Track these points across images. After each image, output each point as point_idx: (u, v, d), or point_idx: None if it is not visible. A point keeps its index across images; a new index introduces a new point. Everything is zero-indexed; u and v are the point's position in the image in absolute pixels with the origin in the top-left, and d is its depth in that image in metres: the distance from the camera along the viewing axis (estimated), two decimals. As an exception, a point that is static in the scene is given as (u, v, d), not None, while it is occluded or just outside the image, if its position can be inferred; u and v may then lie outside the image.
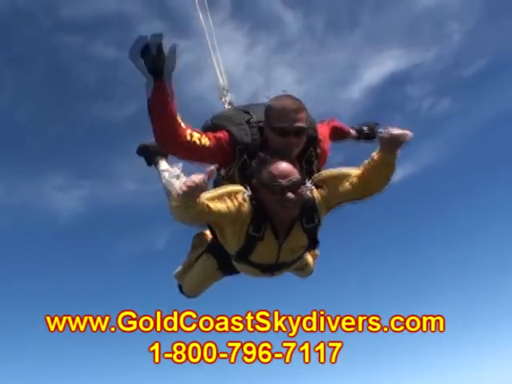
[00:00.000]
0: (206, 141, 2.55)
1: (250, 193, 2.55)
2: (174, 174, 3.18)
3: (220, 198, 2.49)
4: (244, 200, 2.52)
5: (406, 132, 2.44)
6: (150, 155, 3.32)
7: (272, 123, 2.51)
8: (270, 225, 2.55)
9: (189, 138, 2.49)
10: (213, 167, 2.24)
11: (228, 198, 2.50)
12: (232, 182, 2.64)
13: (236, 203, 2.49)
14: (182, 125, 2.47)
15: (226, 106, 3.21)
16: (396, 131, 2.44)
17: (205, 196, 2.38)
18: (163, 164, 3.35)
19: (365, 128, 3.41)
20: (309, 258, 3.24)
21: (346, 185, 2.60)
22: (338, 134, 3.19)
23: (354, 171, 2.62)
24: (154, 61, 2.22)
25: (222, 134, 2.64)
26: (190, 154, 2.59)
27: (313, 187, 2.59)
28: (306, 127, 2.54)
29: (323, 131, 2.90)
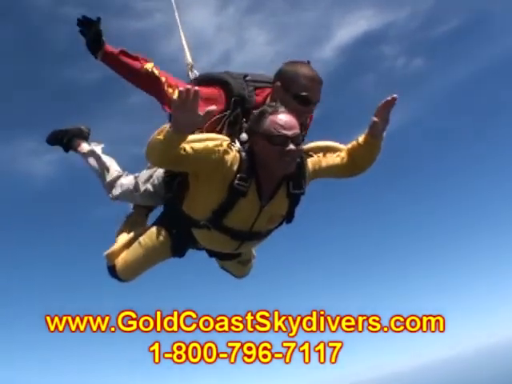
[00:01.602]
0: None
1: (238, 145, 2.46)
2: (89, 149, 3.14)
3: (203, 141, 2.37)
4: (230, 148, 2.40)
5: (389, 98, 2.47)
6: (68, 141, 3.21)
7: (297, 90, 2.52)
8: (256, 182, 2.43)
9: (169, 89, 2.57)
10: (214, 107, 2.17)
11: (212, 143, 2.38)
12: None
13: (221, 149, 2.37)
14: (156, 72, 2.59)
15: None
16: (382, 104, 2.47)
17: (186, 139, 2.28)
18: (85, 146, 3.24)
19: None
20: (251, 256, 3.21)
21: (335, 158, 2.64)
22: None
23: (343, 147, 2.67)
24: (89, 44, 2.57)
25: (213, 89, 2.61)
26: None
27: (304, 155, 2.58)
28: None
29: None
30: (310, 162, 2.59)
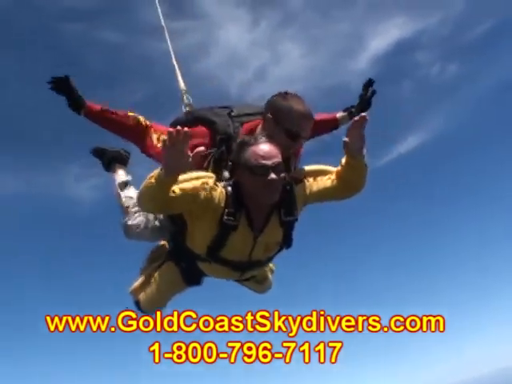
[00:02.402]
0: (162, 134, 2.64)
1: (224, 181, 2.51)
2: (122, 180, 3.14)
3: (189, 180, 2.41)
4: (216, 184, 2.44)
5: (358, 117, 2.40)
6: (108, 161, 3.23)
7: (286, 125, 2.53)
8: (245, 214, 2.46)
9: (155, 141, 2.67)
10: (202, 148, 2.21)
11: (197, 181, 2.42)
12: None
13: (207, 187, 2.41)
14: (151, 130, 2.69)
15: (184, 109, 3.18)
16: (353, 126, 2.42)
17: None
18: (120, 174, 3.23)
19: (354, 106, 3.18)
20: (268, 273, 3.22)
21: (326, 181, 2.61)
22: (322, 127, 3.10)
23: (333, 169, 2.63)
24: (71, 103, 2.68)
25: (199, 128, 2.65)
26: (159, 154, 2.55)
27: (292, 182, 2.57)
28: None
29: None
30: (301, 188, 2.58)
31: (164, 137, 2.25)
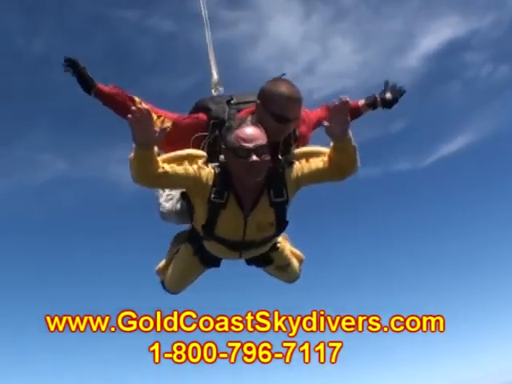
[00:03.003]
0: (167, 123, 2.71)
1: (216, 161, 2.58)
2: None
3: (178, 159, 2.57)
4: (205, 164, 2.57)
5: (338, 103, 2.37)
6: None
7: (272, 108, 2.56)
8: (234, 193, 2.56)
9: (156, 122, 2.63)
10: (167, 125, 2.37)
11: (186, 159, 2.57)
12: None
13: (195, 165, 2.54)
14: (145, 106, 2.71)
15: None
16: (333, 111, 2.40)
17: (162, 158, 2.52)
18: None
19: (378, 94, 3.17)
20: (293, 260, 3.22)
21: (318, 162, 2.61)
22: None
23: (326, 151, 2.61)
24: (81, 82, 2.83)
25: (197, 115, 2.76)
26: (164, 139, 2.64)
27: (284, 164, 2.60)
28: (300, 117, 2.63)
29: (307, 116, 2.89)
30: (293, 170, 2.61)
31: (167, 123, 2.61)
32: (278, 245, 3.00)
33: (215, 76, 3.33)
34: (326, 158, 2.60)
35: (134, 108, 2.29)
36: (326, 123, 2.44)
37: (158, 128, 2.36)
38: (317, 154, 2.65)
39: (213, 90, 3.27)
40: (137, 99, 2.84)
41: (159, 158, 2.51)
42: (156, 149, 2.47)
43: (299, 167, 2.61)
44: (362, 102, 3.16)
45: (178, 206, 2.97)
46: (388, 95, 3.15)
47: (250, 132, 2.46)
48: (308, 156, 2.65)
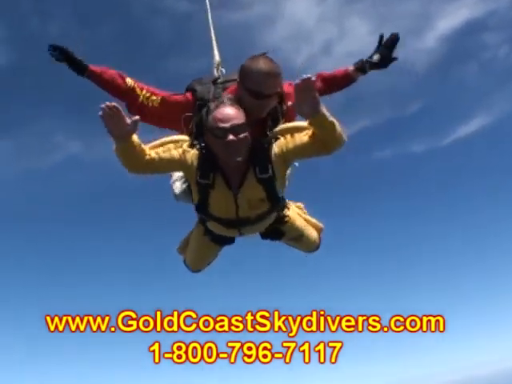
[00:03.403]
0: (154, 99, 2.80)
1: (198, 143, 2.63)
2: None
3: (163, 145, 2.65)
4: (190, 147, 2.63)
5: (300, 81, 2.30)
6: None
7: (248, 85, 2.57)
8: (220, 173, 2.60)
9: (142, 99, 2.79)
10: (137, 117, 2.42)
11: (171, 145, 2.65)
12: None
13: (180, 150, 2.61)
14: (138, 91, 2.80)
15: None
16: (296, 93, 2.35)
17: (150, 145, 2.61)
18: None
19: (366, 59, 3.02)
20: (308, 230, 3.20)
21: (303, 137, 2.56)
22: (333, 83, 3.01)
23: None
24: (71, 64, 2.81)
25: (184, 95, 2.81)
26: (152, 116, 2.79)
27: (271, 140, 2.60)
28: (280, 91, 2.60)
29: (291, 90, 2.75)
30: (277, 146, 2.59)
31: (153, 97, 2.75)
32: (287, 218, 3.00)
33: (217, 57, 3.32)
34: (310, 133, 2.54)
35: (103, 105, 2.35)
36: (289, 104, 2.42)
37: (129, 120, 2.41)
38: (302, 129, 2.60)
39: (215, 71, 3.25)
40: (128, 79, 2.85)
41: (146, 146, 2.58)
42: (136, 138, 2.51)
43: (284, 143, 2.59)
44: (350, 67, 3.02)
45: (185, 186, 3.00)
46: (375, 57, 3.00)
47: (226, 112, 2.49)
48: (293, 131, 2.61)
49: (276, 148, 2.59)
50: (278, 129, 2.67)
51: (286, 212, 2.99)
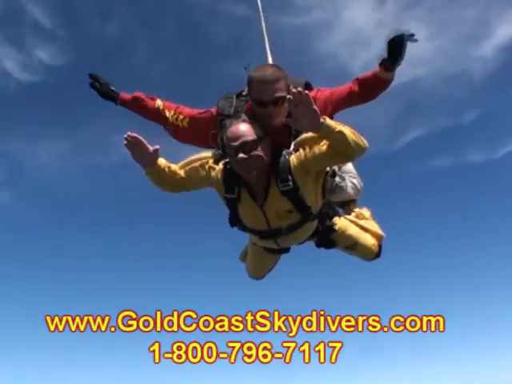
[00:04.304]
0: (182, 119, 2.89)
1: (223, 158, 2.67)
2: None
3: (190, 163, 2.76)
4: (215, 163, 2.69)
5: (291, 96, 2.30)
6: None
7: (251, 94, 2.61)
8: (245, 187, 2.62)
9: (172, 120, 2.90)
10: (157, 146, 2.59)
11: (198, 162, 2.74)
12: None
13: (206, 167, 2.69)
14: (166, 113, 2.92)
15: None
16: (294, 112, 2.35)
17: (179, 164, 2.76)
18: None
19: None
20: (363, 238, 3.14)
21: (321, 146, 2.50)
22: (368, 88, 2.81)
23: None
24: (103, 96, 3.07)
25: (210, 112, 2.84)
26: (185, 135, 2.91)
27: (291, 151, 2.57)
28: (285, 96, 2.49)
29: (319, 95, 2.76)
30: (296, 157, 2.56)
31: (171, 115, 2.89)
32: (336, 226, 2.98)
33: (270, 60, 3.29)
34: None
35: (125, 135, 2.54)
36: (286, 120, 2.43)
37: (151, 149, 2.60)
38: (319, 139, 2.54)
39: None
40: (158, 101, 2.98)
41: (176, 166, 2.75)
42: (162, 161, 2.69)
43: (302, 154, 2.54)
44: (378, 69, 2.78)
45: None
46: (384, 54, 2.74)
47: (236, 130, 2.50)
48: (312, 141, 2.55)
49: (295, 159, 2.55)
50: (298, 139, 2.62)
51: (336, 221, 2.99)
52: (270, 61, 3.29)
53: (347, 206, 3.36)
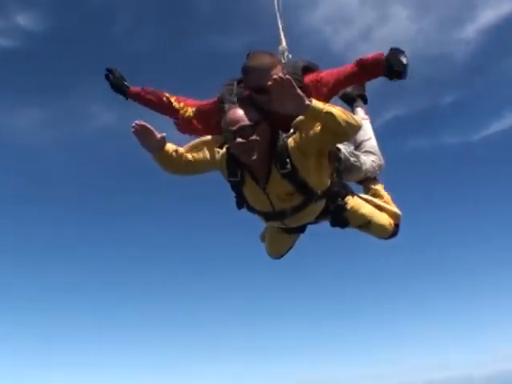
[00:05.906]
0: (189, 111, 2.92)
1: (225, 143, 2.72)
2: None
3: (196, 146, 2.79)
4: (219, 147, 2.76)
5: (272, 81, 2.36)
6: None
7: (249, 83, 2.65)
8: (247, 171, 2.69)
9: (180, 112, 2.94)
10: (164, 134, 2.62)
11: (204, 146, 2.78)
12: None
13: (211, 150, 2.76)
14: (176, 105, 2.96)
15: None
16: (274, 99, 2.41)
17: (185, 147, 2.77)
18: None
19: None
20: (377, 217, 3.09)
21: (316, 128, 2.53)
22: (370, 70, 2.73)
23: None
24: (114, 88, 3.13)
25: (214, 99, 2.86)
26: (193, 127, 2.92)
27: (289, 134, 2.63)
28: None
29: (315, 78, 2.76)
30: (292, 139, 2.60)
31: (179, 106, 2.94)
32: (347, 205, 2.93)
33: (283, 42, 3.29)
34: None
35: (133, 124, 2.57)
36: (272, 106, 2.47)
37: (159, 136, 2.62)
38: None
39: (281, 57, 3.20)
40: (166, 94, 3.03)
41: (182, 149, 2.76)
42: (170, 146, 2.71)
43: (298, 136, 2.60)
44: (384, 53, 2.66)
45: None
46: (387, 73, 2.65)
47: (234, 114, 2.57)
48: (307, 123, 2.57)
49: (292, 142, 2.60)
50: (295, 122, 2.62)
51: (348, 199, 2.93)
52: (283, 41, 3.28)
53: (365, 183, 3.32)
